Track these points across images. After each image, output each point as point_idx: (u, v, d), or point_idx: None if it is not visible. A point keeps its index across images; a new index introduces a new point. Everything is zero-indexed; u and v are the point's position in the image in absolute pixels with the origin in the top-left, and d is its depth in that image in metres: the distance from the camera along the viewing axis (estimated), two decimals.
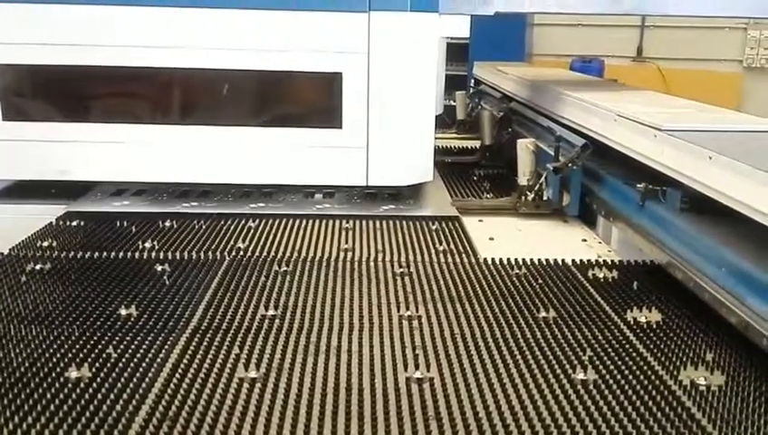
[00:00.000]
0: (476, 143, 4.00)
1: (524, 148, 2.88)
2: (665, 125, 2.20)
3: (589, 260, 2.22)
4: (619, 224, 2.44)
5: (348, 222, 2.62)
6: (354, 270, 2.13)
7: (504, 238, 2.51)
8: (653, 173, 2.23)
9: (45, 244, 2.29)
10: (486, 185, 3.32)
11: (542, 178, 2.79)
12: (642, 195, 2.24)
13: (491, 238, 2.49)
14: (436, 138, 3.02)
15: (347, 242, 2.41)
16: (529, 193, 2.82)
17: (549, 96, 3.37)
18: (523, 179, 2.86)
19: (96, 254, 2.21)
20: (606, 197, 2.60)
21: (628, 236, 2.35)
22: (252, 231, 2.49)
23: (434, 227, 2.59)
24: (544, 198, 2.81)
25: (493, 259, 2.21)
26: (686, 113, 2.64)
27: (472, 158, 3.88)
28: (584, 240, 2.52)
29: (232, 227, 2.52)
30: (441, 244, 2.39)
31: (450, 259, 2.24)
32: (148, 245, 2.30)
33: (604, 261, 2.22)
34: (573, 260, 2.20)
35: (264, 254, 2.26)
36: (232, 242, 2.37)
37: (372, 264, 2.18)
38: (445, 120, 4.86)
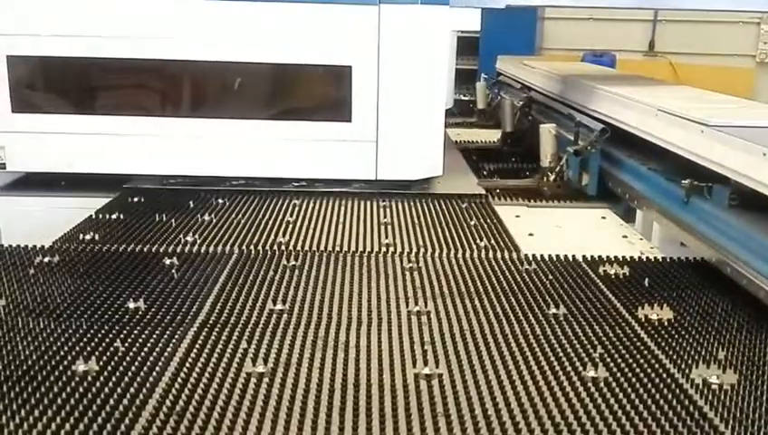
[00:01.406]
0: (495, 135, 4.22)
1: (547, 132, 3.07)
2: (712, 121, 2.17)
3: (631, 257, 2.20)
4: (662, 220, 2.41)
5: (384, 200, 2.74)
6: (363, 265, 2.11)
7: (543, 234, 2.50)
8: (693, 168, 2.20)
9: (56, 236, 2.28)
10: (509, 167, 3.54)
11: (563, 161, 2.96)
12: (687, 191, 2.22)
13: (530, 234, 2.47)
14: (452, 125, 3.05)
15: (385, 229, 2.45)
16: (551, 174, 3.00)
17: (581, 90, 3.33)
18: (545, 162, 3.04)
19: (105, 247, 2.21)
20: (647, 192, 2.57)
21: (672, 232, 2.33)
22: (261, 224, 2.48)
23: (467, 212, 2.67)
24: (565, 178, 2.97)
25: (534, 255, 2.19)
26: (729, 109, 2.61)
27: (495, 144, 4.12)
28: (625, 236, 2.50)
29: (242, 221, 2.51)
30: (482, 240, 2.36)
31: (484, 255, 2.22)
32: (156, 238, 2.29)
33: (647, 258, 2.20)
34: (584, 256, 2.18)
35: (274, 247, 2.26)
36: (241, 236, 2.36)
37: (382, 258, 2.17)
38: (452, 113, 4.93)
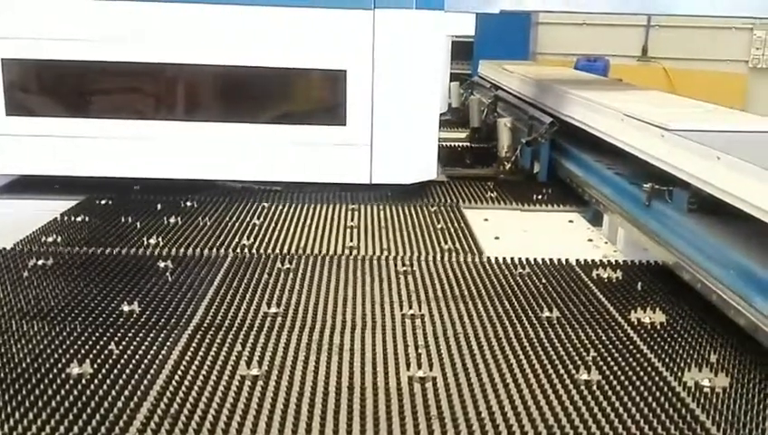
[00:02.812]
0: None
1: (503, 125, 3.40)
2: (672, 125, 2.19)
3: (593, 260, 2.21)
4: (625, 224, 2.43)
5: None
6: (357, 268, 2.12)
7: (510, 237, 2.50)
8: (658, 173, 2.22)
9: (49, 239, 2.28)
10: (472, 159, 3.75)
11: (518, 151, 3.29)
12: (648, 195, 2.24)
13: (497, 238, 2.48)
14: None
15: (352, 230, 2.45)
16: (507, 163, 3.33)
17: (554, 95, 3.38)
18: (502, 152, 3.36)
19: (99, 250, 2.20)
20: (612, 196, 2.59)
21: (634, 236, 2.34)
22: (256, 228, 2.48)
23: (433, 210, 2.72)
24: (519, 167, 3.31)
25: (496, 258, 2.20)
26: (694, 113, 2.64)
27: (463, 138, 4.39)
28: (590, 240, 2.51)
29: (237, 224, 2.52)
30: (446, 243, 2.38)
31: (454, 258, 2.23)
32: (152, 241, 2.29)
33: (608, 261, 2.21)
34: (577, 260, 2.19)
35: (269, 251, 2.26)
36: (236, 239, 2.36)
37: (375, 261, 2.18)
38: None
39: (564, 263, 2.17)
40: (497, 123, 3.47)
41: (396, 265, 2.14)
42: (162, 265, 2.09)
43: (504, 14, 3.31)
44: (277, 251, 2.26)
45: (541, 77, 3.97)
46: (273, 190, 2.92)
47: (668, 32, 8.50)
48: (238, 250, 2.25)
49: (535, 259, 2.19)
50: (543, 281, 2.04)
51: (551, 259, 2.19)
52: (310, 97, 3.01)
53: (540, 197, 2.97)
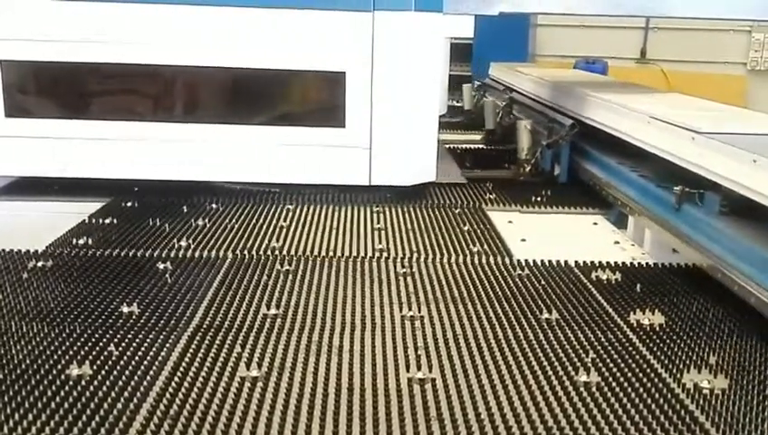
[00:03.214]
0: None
1: (523, 128, 3.39)
2: (703, 128, 2.19)
3: (624, 262, 2.21)
4: (653, 226, 2.43)
5: (378, 206, 2.80)
6: (357, 269, 2.12)
7: (535, 240, 2.50)
8: (686, 175, 2.22)
9: (50, 241, 2.28)
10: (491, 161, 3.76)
11: (538, 153, 3.28)
12: (679, 197, 2.24)
13: (523, 240, 2.48)
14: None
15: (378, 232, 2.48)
16: (527, 165, 3.32)
17: (574, 97, 3.37)
18: (522, 154, 3.36)
19: (98, 251, 2.20)
20: (638, 198, 2.59)
21: (663, 238, 2.34)
22: (255, 229, 2.48)
23: (460, 218, 2.71)
24: (539, 169, 3.31)
25: (526, 260, 2.19)
26: (720, 116, 2.63)
27: (477, 140, 4.41)
28: (617, 242, 2.51)
29: (236, 226, 2.52)
30: (475, 245, 2.37)
31: (483, 260, 2.23)
32: (149, 242, 2.29)
33: (638, 263, 2.21)
34: (608, 262, 2.19)
35: (268, 252, 2.26)
36: (235, 241, 2.36)
37: (375, 263, 2.18)
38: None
39: (563, 264, 2.17)
40: (517, 125, 3.47)
41: (395, 267, 2.14)
42: (161, 266, 2.09)
43: (502, 17, 3.32)
44: (276, 253, 2.26)
45: (557, 79, 3.95)
46: (272, 192, 2.92)
47: (667, 34, 8.51)
48: (238, 252, 2.25)
49: (558, 261, 2.18)
50: (543, 283, 2.04)
51: (576, 261, 2.18)
52: (309, 99, 3.01)
53: (563, 199, 2.96)
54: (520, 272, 2.12)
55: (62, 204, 2.78)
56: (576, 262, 2.19)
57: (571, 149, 3.20)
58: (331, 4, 2.79)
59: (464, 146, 4.17)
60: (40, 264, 2.07)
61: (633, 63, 8.73)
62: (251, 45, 2.83)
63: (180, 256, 2.20)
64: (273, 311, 1.80)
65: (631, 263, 2.22)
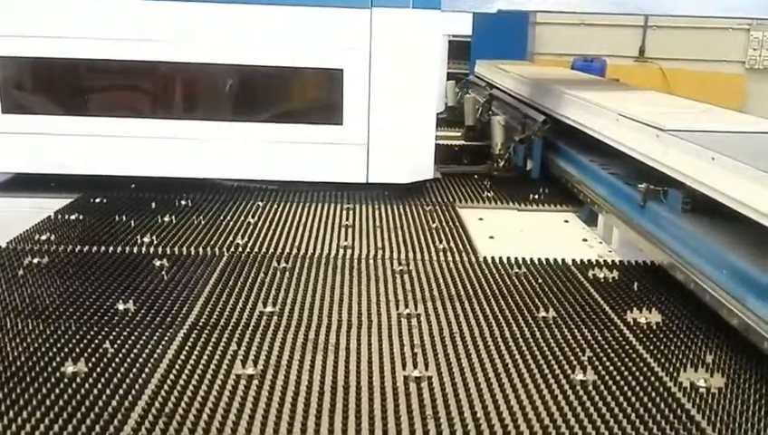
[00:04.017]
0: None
1: (497, 123, 3.44)
2: (667, 125, 2.19)
3: (589, 260, 2.21)
4: (620, 224, 2.43)
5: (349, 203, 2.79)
6: (353, 267, 2.12)
7: (505, 237, 2.50)
8: (653, 173, 2.22)
9: (43, 237, 2.28)
10: (468, 157, 3.76)
11: (511, 148, 3.35)
12: (643, 195, 2.24)
13: (491, 237, 2.48)
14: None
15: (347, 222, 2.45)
16: (500, 160, 3.37)
17: (549, 94, 3.38)
18: (495, 149, 3.41)
19: (94, 248, 2.20)
20: (607, 196, 2.59)
21: (629, 236, 2.34)
22: (251, 227, 2.48)
23: (430, 215, 2.68)
24: (512, 164, 3.37)
25: (492, 258, 2.20)
26: (689, 114, 2.63)
27: (458, 136, 4.36)
28: (585, 240, 2.52)
29: (232, 223, 2.51)
30: (441, 242, 2.38)
31: (450, 257, 2.23)
32: (146, 239, 2.29)
33: (605, 261, 2.21)
34: (573, 260, 2.19)
35: (264, 250, 2.25)
36: (231, 238, 2.36)
37: (371, 261, 2.17)
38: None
39: (560, 263, 2.17)
40: (491, 121, 3.51)
41: (392, 265, 2.14)
42: (158, 263, 2.08)
43: (501, 14, 3.31)
44: (272, 250, 2.26)
45: (536, 77, 3.97)
46: (269, 189, 2.92)
47: (665, 32, 8.50)
48: (233, 249, 2.24)
49: (531, 259, 2.19)
50: (540, 281, 2.04)
51: (546, 259, 2.19)
52: (306, 96, 3.01)
53: (535, 196, 2.97)
54: (517, 270, 2.12)
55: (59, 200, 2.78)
56: (573, 260, 2.18)
57: (544, 146, 3.24)
58: (330, 1, 2.78)
59: (444, 142, 4.14)
60: (36, 260, 2.06)
61: (632, 62, 8.72)
62: (248, 42, 2.82)
63: (176, 253, 2.20)
64: (268, 308, 1.80)
65: (628, 261, 2.22)
